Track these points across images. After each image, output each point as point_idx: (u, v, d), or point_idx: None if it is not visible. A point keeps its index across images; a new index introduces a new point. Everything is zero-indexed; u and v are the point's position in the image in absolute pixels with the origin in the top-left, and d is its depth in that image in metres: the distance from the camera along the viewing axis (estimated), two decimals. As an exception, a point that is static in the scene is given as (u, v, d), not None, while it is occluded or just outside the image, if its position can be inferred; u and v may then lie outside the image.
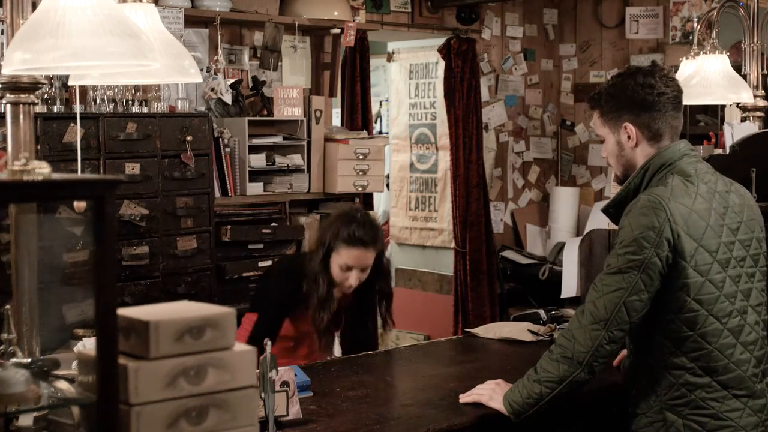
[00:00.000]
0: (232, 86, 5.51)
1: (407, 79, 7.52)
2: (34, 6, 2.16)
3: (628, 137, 2.63)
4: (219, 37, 5.44)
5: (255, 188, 5.34)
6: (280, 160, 5.49)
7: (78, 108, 4.47)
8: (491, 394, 2.77)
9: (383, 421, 2.69)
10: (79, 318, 4.04)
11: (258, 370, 2.32)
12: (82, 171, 4.10)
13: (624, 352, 2.79)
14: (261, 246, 5.27)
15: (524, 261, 7.02)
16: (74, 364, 1.91)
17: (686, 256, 2.46)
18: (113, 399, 1.65)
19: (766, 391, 2.57)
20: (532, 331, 3.66)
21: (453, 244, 7.04)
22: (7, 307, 2.15)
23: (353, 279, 3.45)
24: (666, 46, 7.25)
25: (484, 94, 7.25)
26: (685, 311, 2.48)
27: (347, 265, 3.42)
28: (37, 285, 2.22)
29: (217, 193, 5.18)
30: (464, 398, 2.83)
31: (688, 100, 4.53)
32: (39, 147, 4.18)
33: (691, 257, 2.46)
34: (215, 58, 5.44)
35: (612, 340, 2.50)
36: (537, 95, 7.74)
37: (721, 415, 2.50)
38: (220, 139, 5.26)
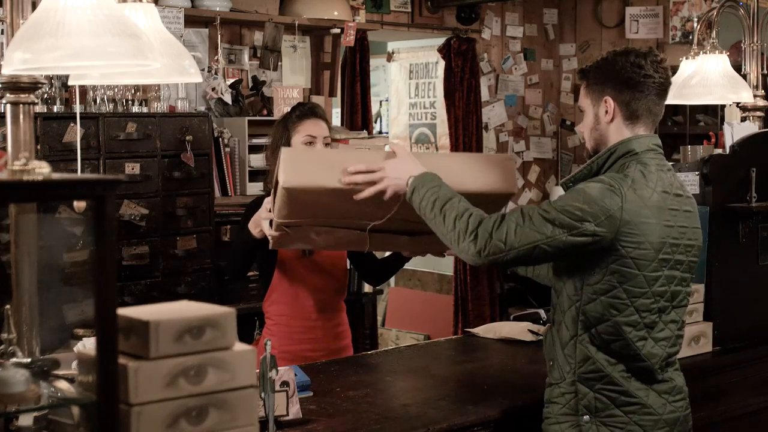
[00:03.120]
0: (232, 86, 5.51)
1: (407, 79, 7.53)
2: (34, 6, 2.16)
3: (606, 112, 2.63)
4: (219, 37, 5.44)
5: (255, 188, 5.34)
6: (280, 160, 5.49)
7: (78, 108, 4.47)
8: (398, 169, 2.71)
9: (383, 421, 2.69)
10: (79, 318, 4.03)
11: (258, 370, 2.32)
12: (82, 171, 4.10)
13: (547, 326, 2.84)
14: (261, 246, 5.27)
15: (524, 261, 7.01)
16: (74, 364, 1.91)
17: (628, 246, 2.49)
18: (113, 399, 1.65)
19: (672, 377, 2.64)
20: (532, 331, 3.66)
21: (453, 244, 7.03)
22: (7, 307, 2.15)
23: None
24: (666, 46, 7.25)
25: (484, 94, 7.25)
26: (609, 296, 2.52)
27: (310, 136, 3.53)
28: (37, 285, 2.22)
29: (217, 193, 5.19)
30: (357, 175, 2.73)
31: (688, 100, 4.57)
32: (39, 147, 4.18)
33: (633, 249, 2.49)
34: (215, 58, 5.45)
35: (502, 263, 2.54)
36: (537, 95, 7.74)
37: (631, 392, 2.57)
38: (220, 139, 5.27)
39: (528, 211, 2.52)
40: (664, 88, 2.67)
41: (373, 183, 2.71)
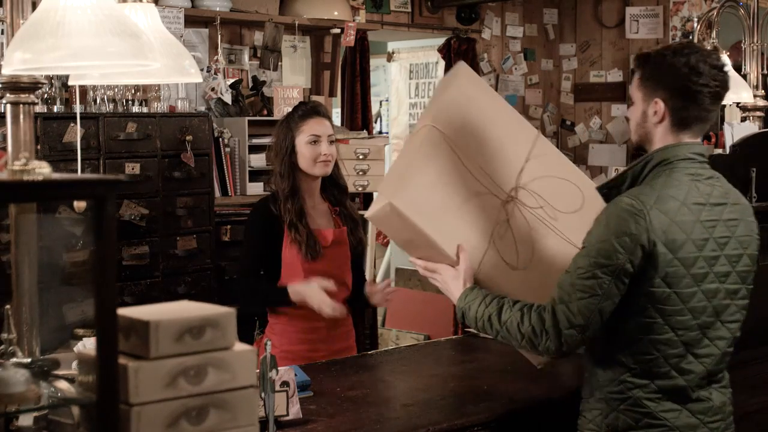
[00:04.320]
0: (232, 86, 5.51)
1: (407, 79, 7.53)
2: (34, 6, 2.16)
3: (655, 113, 2.54)
4: (219, 37, 5.45)
5: (255, 188, 5.34)
6: (280, 160, 5.49)
7: (78, 108, 4.47)
8: (448, 284, 2.72)
9: (383, 421, 2.69)
10: (79, 318, 4.04)
11: (258, 370, 2.32)
12: (82, 171, 4.10)
13: None
14: (261, 246, 5.27)
15: (524, 261, 7.01)
16: (74, 364, 1.91)
17: (657, 266, 2.42)
18: (113, 399, 1.65)
19: (710, 396, 2.54)
20: (532, 331, 3.65)
21: (453, 244, 7.03)
22: (7, 307, 2.15)
23: (325, 147, 3.56)
24: (666, 46, 7.25)
25: (484, 94, 7.24)
26: (643, 316, 2.45)
27: (314, 136, 3.55)
28: (37, 285, 2.22)
29: (217, 193, 5.19)
30: (418, 261, 2.78)
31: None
32: (39, 147, 4.19)
33: (662, 268, 2.42)
34: (215, 58, 5.45)
35: (585, 341, 2.50)
36: (537, 95, 7.74)
37: (656, 415, 2.49)
38: (220, 139, 5.27)
39: (567, 283, 2.45)
40: (719, 96, 2.55)
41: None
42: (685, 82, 2.49)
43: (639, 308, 2.45)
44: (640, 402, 2.49)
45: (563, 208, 2.76)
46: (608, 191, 2.60)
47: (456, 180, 2.70)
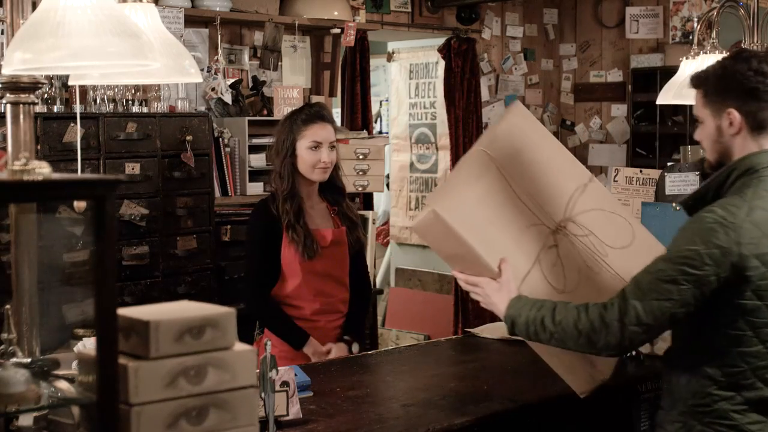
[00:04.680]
0: (232, 86, 5.51)
1: (407, 79, 7.53)
2: (34, 6, 2.16)
3: (730, 124, 2.50)
4: (219, 37, 5.45)
5: (255, 188, 5.33)
6: (280, 160, 5.49)
7: (78, 108, 4.47)
8: (491, 297, 2.68)
9: (383, 421, 2.69)
10: (79, 318, 4.03)
11: (258, 370, 2.32)
12: (82, 171, 4.10)
13: None
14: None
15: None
16: (74, 364, 1.91)
17: (749, 278, 2.38)
18: (113, 399, 1.65)
19: None
20: (532, 331, 3.65)
21: (453, 244, 7.03)
22: (7, 307, 2.15)
23: (325, 155, 3.57)
24: (666, 46, 7.25)
25: (484, 94, 7.25)
26: (732, 328, 2.42)
27: (315, 142, 3.55)
28: (37, 285, 2.22)
29: (217, 193, 5.18)
30: (459, 275, 2.75)
31: (688, 100, 4.55)
32: (39, 147, 4.18)
33: (754, 281, 2.38)
34: (215, 58, 5.45)
35: (646, 341, 2.49)
36: (537, 95, 7.74)
37: (742, 427, 2.45)
38: (220, 139, 5.27)
39: (645, 281, 2.42)
40: None
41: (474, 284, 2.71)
42: (754, 84, 2.47)
43: (728, 320, 2.41)
44: (726, 414, 2.45)
45: (613, 243, 2.78)
46: (693, 203, 2.54)
47: (503, 201, 2.72)
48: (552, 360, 2.77)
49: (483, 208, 2.70)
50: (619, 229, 2.82)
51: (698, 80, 2.58)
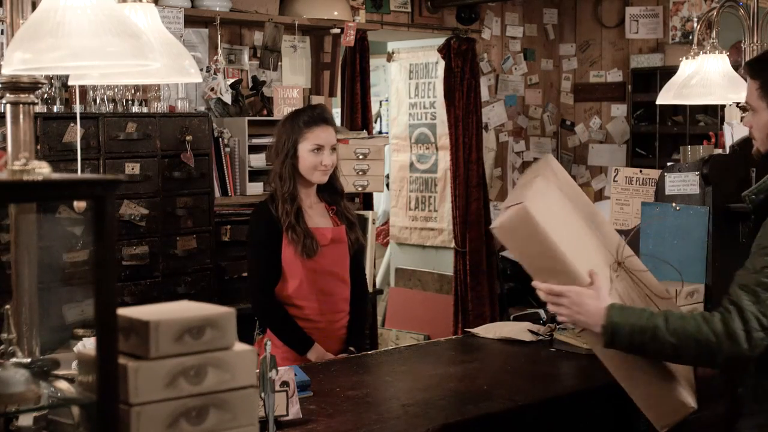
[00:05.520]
0: (232, 86, 5.51)
1: (407, 79, 7.53)
2: (34, 6, 2.16)
3: None
4: (219, 37, 5.44)
5: (255, 188, 5.34)
6: (280, 160, 5.49)
7: (78, 108, 4.47)
8: (584, 305, 2.46)
9: (383, 421, 2.69)
10: (79, 318, 4.04)
11: (258, 370, 2.32)
12: (82, 171, 4.10)
13: None
14: (261, 246, 5.27)
15: (524, 261, 7.01)
16: (74, 364, 1.91)
17: None
18: (113, 399, 1.65)
19: None
20: (532, 331, 3.65)
21: (453, 244, 7.04)
22: (7, 307, 2.15)
23: (327, 158, 3.58)
24: (666, 46, 7.25)
25: (484, 94, 7.25)
26: None
27: (317, 145, 3.56)
28: (37, 285, 2.22)
29: (217, 193, 5.18)
30: (541, 285, 2.54)
31: (688, 100, 4.57)
32: (39, 147, 4.18)
33: None
34: (215, 58, 5.45)
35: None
36: (537, 95, 7.74)
37: None
38: (220, 139, 5.27)
39: (752, 282, 2.33)
40: None
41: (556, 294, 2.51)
42: None
43: None
44: None
45: (657, 292, 2.78)
46: (765, 197, 2.53)
47: (575, 219, 2.70)
48: (637, 388, 2.56)
49: (563, 215, 2.62)
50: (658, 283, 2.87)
51: (754, 70, 2.54)
